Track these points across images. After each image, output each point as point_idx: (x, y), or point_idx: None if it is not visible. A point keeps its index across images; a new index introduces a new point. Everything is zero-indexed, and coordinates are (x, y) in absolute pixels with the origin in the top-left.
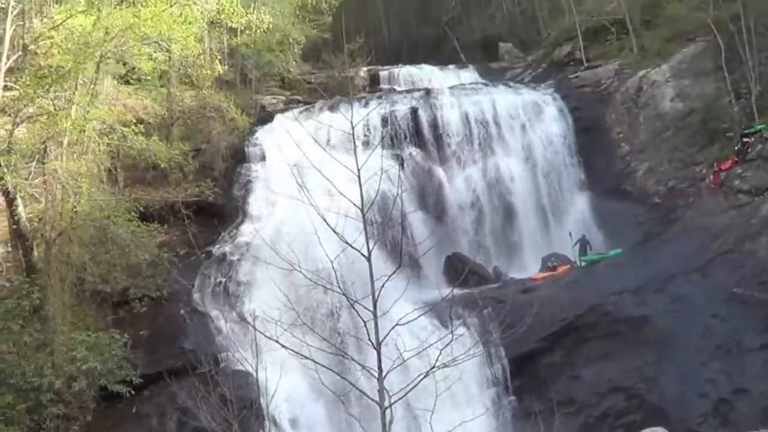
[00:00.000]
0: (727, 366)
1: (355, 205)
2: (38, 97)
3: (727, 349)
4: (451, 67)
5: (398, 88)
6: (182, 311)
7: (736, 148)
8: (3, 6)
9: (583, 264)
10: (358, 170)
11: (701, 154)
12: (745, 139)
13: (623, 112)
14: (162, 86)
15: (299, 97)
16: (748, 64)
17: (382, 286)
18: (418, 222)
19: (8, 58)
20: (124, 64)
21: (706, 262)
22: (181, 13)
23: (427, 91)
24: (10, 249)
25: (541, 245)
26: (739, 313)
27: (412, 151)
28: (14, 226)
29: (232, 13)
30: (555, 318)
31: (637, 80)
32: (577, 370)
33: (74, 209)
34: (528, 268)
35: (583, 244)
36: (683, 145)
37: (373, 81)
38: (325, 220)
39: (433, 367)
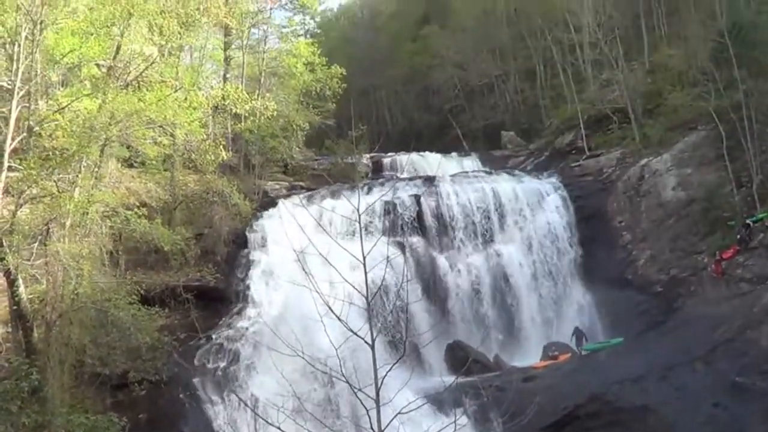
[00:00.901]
0: None
1: (359, 292)
2: (42, 179)
3: None
4: (453, 154)
5: (401, 176)
6: (182, 395)
7: (738, 236)
8: (9, 87)
9: (584, 353)
10: (364, 258)
11: (703, 242)
12: (748, 225)
13: (625, 200)
14: (166, 170)
15: (302, 183)
16: (749, 152)
17: (385, 375)
18: (420, 310)
19: (13, 139)
20: (129, 147)
21: (708, 351)
22: (186, 98)
23: (430, 179)
24: (9, 329)
25: (543, 334)
26: (741, 402)
27: (414, 238)
28: (15, 307)
29: (237, 100)
30: (557, 407)
31: (639, 169)
32: None
33: (75, 291)
34: (529, 356)
35: (579, 336)
36: (685, 234)
37: (376, 168)
38: (329, 307)
39: None
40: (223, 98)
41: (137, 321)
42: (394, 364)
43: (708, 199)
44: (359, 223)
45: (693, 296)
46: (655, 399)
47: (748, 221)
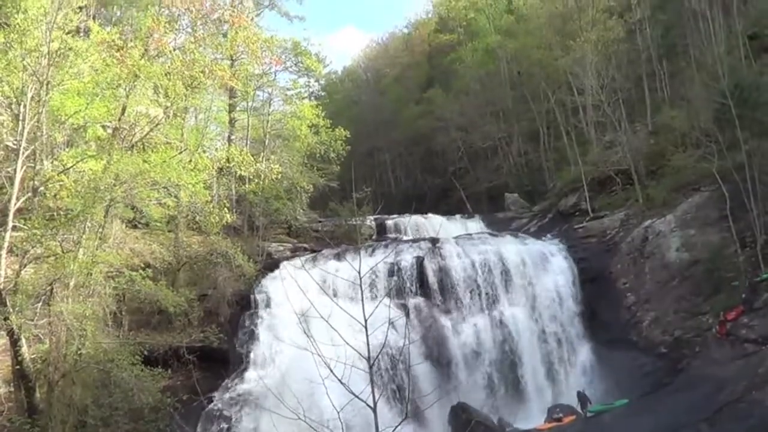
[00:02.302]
0: None
1: (361, 356)
2: (46, 239)
3: None
4: (457, 216)
5: (405, 237)
6: None
7: (743, 296)
8: (14, 147)
9: (589, 415)
10: (365, 321)
11: (707, 303)
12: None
13: (629, 262)
14: (170, 231)
15: (306, 245)
16: (752, 213)
17: None
18: (423, 372)
19: (18, 199)
20: (133, 208)
21: (714, 413)
22: (190, 160)
23: (433, 241)
24: (12, 389)
25: (547, 395)
26: None
27: (417, 300)
28: (17, 367)
29: (242, 162)
30: None
31: (643, 230)
32: None
33: (78, 351)
34: (533, 418)
35: (582, 399)
36: (689, 295)
37: (380, 230)
38: (332, 371)
39: None
40: (227, 160)
41: (140, 382)
42: (397, 426)
43: (712, 259)
44: (360, 285)
45: (698, 357)
46: None
47: (752, 280)
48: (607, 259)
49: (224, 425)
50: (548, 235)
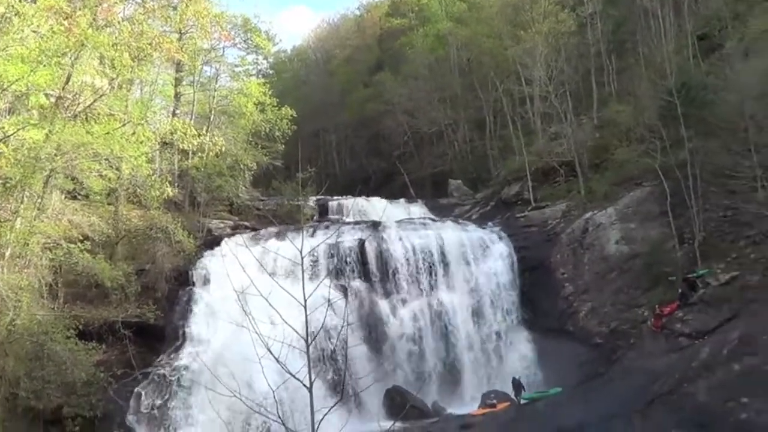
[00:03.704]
0: None
1: (299, 335)
2: None
3: None
4: (400, 200)
5: (347, 220)
6: None
7: (680, 291)
8: None
9: (523, 402)
10: (305, 301)
11: (644, 296)
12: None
13: (569, 252)
14: (110, 204)
15: (247, 223)
16: (692, 210)
17: (322, 418)
18: (360, 354)
19: None
20: (73, 179)
21: (646, 404)
22: (133, 133)
23: (375, 224)
24: None
25: (482, 382)
26: None
27: (357, 283)
28: None
29: (185, 135)
30: None
31: (584, 222)
32: None
33: (12, 323)
34: (467, 403)
35: (517, 386)
36: (626, 288)
37: (322, 211)
38: (269, 349)
39: None
40: (171, 133)
41: (74, 355)
42: (332, 408)
43: (650, 254)
44: (302, 265)
45: (632, 349)
46: None
47: (688, 276)
48: (547, 249)
49: (158, 401)
50: (490, 223)
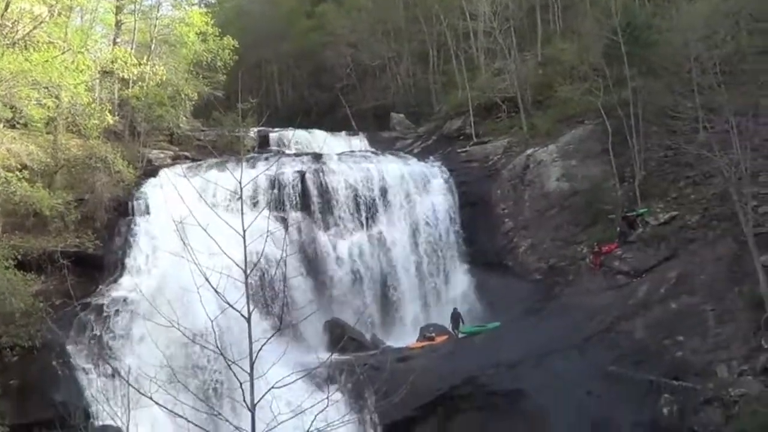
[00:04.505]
0: None
1: (238, 265)
2: None
3: (600, 426)
4: (342, 133)
5: (288, 151)
6: (55, 363)
7: (619, 230)
8: None
9: (461, 335)
10: (244, 231)
11: (584, 233)
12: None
13: (509, 188)
14: (48, 133)
15: (187, 153)
16: (634, 149)
17: (260, 348)
18: (299, 286)
19: None
20: (12, 107)
21: (583, 340)
22: (73, 60)
23: (317, 156)
24: None
25: (421, 315)
26: (613, 390)
27: (297, 215)
28: None
29: (126, 63)
30: (431, 388)
31: (525, 158)
32: None
33: None
34: (406, 337)
35: (455, 318)
36: (566, 225)
37: (263, 142)
38: (207, 279)
39: (308, 431)
40: (111, 62)
41: (12, 285)
42: (270, 338)
43: (591, 191)
44: (241, 195)
45: (571, 286)
46: (528, 384)
47: (628, 214)
48: (488, 184)
49: (97, 331)
50: (431, 158)
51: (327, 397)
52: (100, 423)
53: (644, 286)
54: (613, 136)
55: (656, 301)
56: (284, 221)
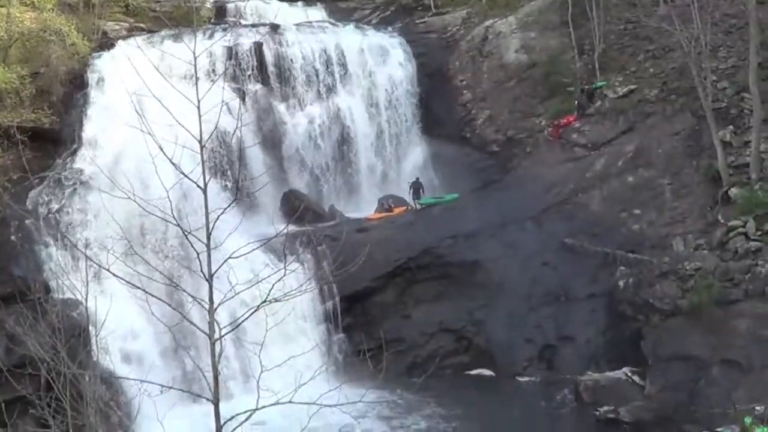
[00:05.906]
0: (555, 313)
1: (193, 136)
2: None
3: (556, 296)
4: (299, 3)
5: (244, 22)
6: (13, 237)
7: (577, 103)
8: None
9: (419, 207)
10: (198, 102)
11: (542, 106)
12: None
13: (467, 60)
14: (1, 6)
15: (143, 25)
16: (593, 21)
17: (217, 218)
18: (256, 157)
19: None
20: None
21: (540, 212)
22: None
23: (274, 27)
24: None
25: (379, 186)
26: (568, 262)
27: (254, 86)
28: None
29: None
30: (388, 258)
31: (484, 30)
32: (409, 310)
33: None
34: (364, 208)
35: (416, 187)
36: (525, 96)
37: (220, 13)
38: (162, 149)
39: (265, 300)
40: None
41: None
42: (227, 208)
43: (549, 63)
44: (194, 66)
45: (528, 158)
46: (485, 255)
47: (586, 87)
48: (446, 55)
49: (54, 205)
50: (389, 28)
51: (284, 266)
52: (61, 297)
53: (602, 159)
54: (572, 8)
55: (613, 175)
56: (241, 92)
